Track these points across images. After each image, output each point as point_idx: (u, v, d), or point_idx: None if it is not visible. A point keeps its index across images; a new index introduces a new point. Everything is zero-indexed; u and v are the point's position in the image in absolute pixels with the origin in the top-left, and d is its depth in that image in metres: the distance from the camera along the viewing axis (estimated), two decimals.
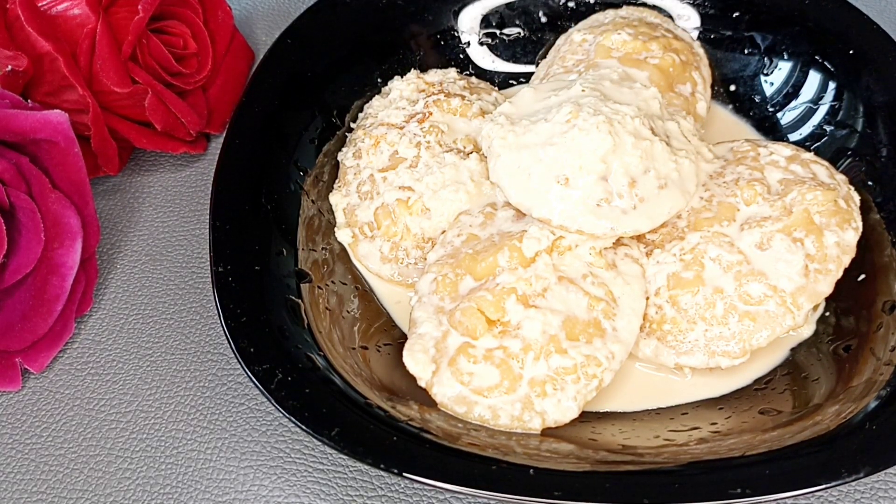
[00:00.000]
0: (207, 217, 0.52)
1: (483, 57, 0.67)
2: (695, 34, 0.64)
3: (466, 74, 0.65)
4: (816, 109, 0.60)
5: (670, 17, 0.65)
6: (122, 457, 0.51)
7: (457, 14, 0.67)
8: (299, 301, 0.51)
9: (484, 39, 0.67)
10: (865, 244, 0.52)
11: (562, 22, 0.66)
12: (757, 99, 0.63)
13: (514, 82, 0.66)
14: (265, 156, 0.56)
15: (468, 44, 0.67)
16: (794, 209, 0.51)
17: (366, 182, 0.57)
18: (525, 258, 0.50)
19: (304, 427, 0.44)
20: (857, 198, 0.53)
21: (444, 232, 0.55)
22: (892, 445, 0.43)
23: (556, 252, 0.51)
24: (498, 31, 0.67)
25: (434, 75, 0.62)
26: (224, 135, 0.57)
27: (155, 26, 0.61)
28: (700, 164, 0.53)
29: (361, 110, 0.62)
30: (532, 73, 0.65)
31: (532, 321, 0.48)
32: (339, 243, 0.57)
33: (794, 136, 0.60)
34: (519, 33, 0.67)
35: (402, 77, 0.62)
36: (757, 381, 0.52)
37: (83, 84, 0.57)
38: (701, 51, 0.63)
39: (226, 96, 0.65)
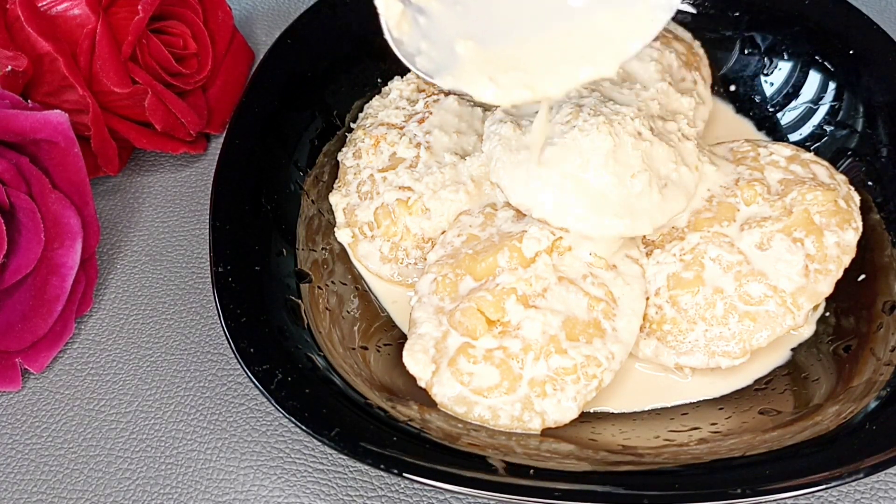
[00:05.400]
0: (207, 217, 0.52)
1: None
2: (694, 34, 0.64)
3: None
4: (816, 109, 0.60)
5: None
6: (122, 457, 0.51)
7: None
8: (299, 301, 0.51)
9: None
10: (865, 244, 0.52)
11: None
12: (757, 99, 0.63)
13: None
14: (265, 156, 0.56)
15: None
16: (794, 209, 0.51)
17: (366, 182, 0.57)
18: (525, 258, 0.50)
19: (304, 427, 0.44)
20: (857, 198, 0.53)
21: (444, 232, 0.55)
22: (892, 446, 0.43)
23: (556, 252, 0.51)
24: None
25: None
26: (224, 135, 0.56)
27: (155, 26, 0.61)
28: (704, 168, 0.53)
29: (361, 110, 0.62)
30: None
31: (532, 321, 0.48)
32: (339, 243, 0.57)
33: (794, 136, 0.60)
34: None
35: (402, 77, 0.62)
36: (757, 381, 0.52)
37: (83, 84, 0.57)
38: (701, 51, 0.62)
39: (226, 96, 0.65)
